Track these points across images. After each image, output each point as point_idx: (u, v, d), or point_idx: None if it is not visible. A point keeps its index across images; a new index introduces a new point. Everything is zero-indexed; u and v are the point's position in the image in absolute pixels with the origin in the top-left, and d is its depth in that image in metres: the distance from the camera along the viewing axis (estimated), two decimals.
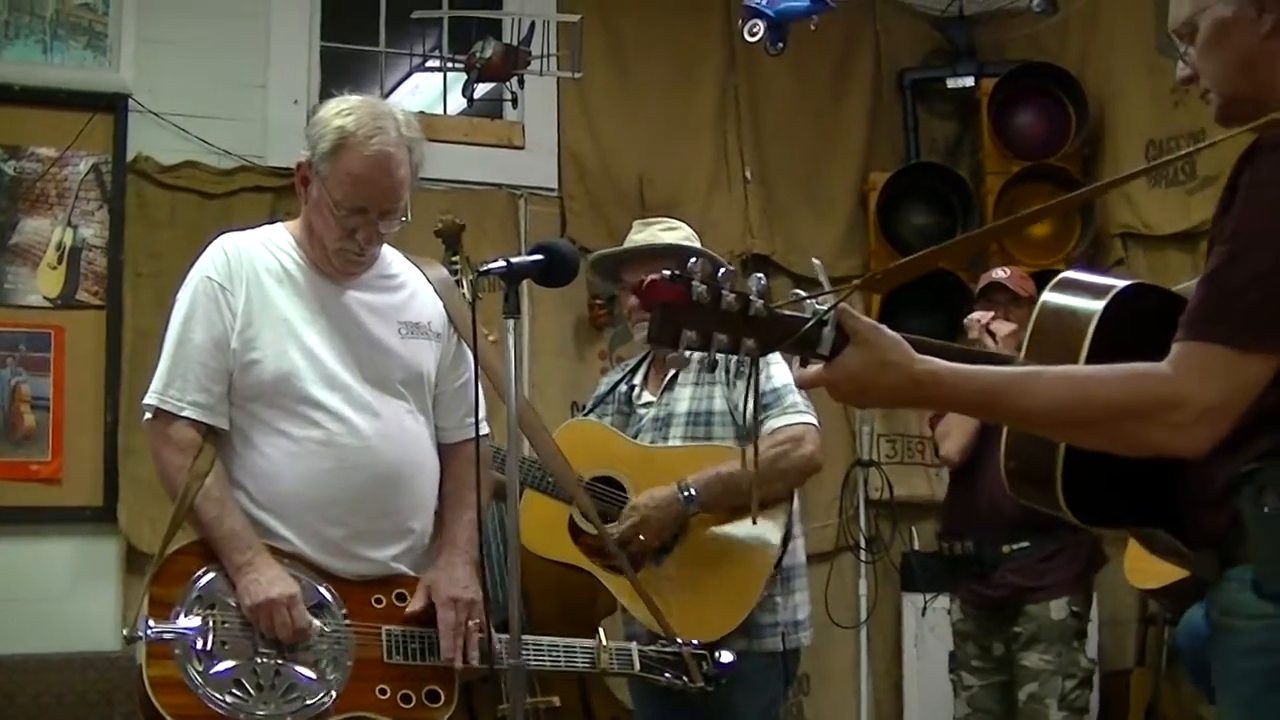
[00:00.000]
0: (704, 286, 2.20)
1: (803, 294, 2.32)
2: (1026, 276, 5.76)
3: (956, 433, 5.53)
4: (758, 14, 5.97)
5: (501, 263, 3.31)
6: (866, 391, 2.36)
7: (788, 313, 2.29)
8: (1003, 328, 5.43)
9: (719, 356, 2.24)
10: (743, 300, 2.23)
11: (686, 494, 4.37)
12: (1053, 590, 5.42)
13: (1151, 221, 7.02)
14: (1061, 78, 7.48)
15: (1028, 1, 5.91)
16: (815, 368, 2.34)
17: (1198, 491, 2.40)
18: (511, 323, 3.25)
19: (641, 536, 4.36)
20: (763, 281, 2.28)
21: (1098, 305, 2.52)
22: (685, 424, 4.62)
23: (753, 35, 6.02)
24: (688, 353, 2.22)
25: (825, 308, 2.28)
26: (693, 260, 2.27)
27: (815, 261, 2.66)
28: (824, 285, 2.45)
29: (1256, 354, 2.23)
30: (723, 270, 2.25)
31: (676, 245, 4.74)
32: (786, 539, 4.48)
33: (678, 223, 4.90)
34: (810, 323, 2.27)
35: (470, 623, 3.64)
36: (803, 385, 2.42)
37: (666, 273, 2.20)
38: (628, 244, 4.89)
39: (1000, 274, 5.68)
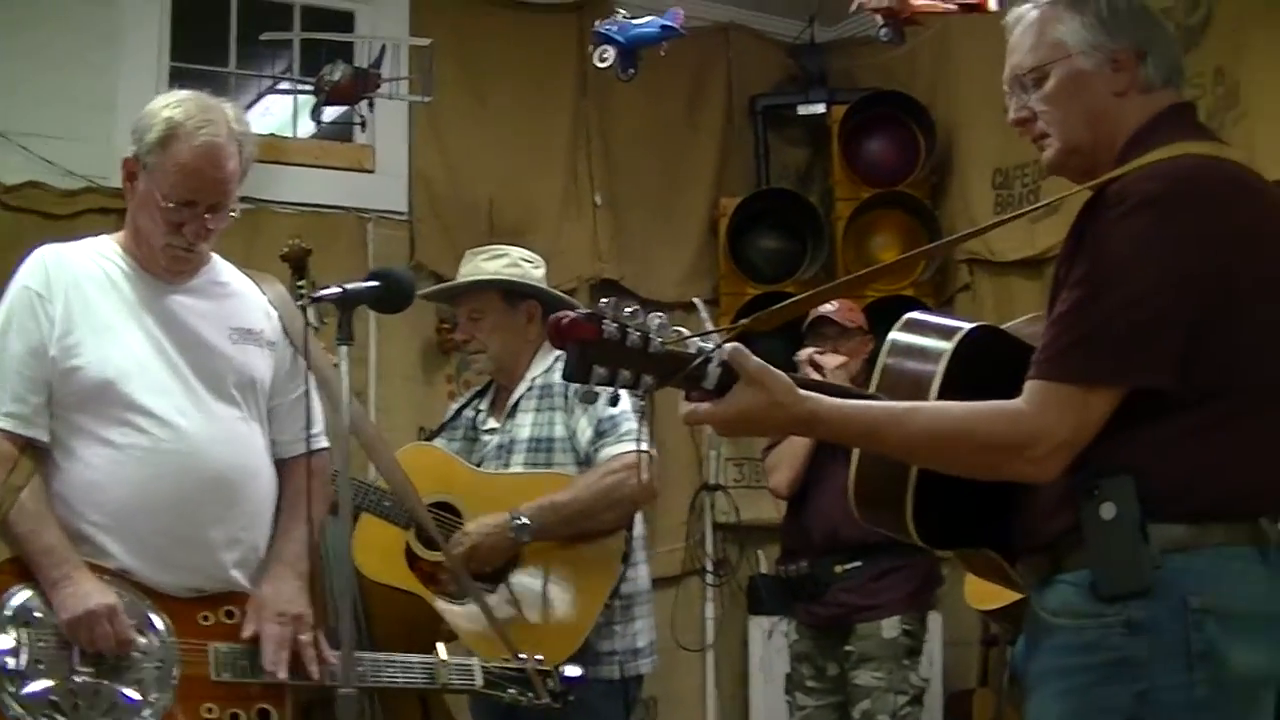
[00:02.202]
0: (614, 325, 2.30)
1: (687, 332, 2.42)
2: (855, 309, 5.83)
3: (785, 466, 5.59)
4: (608, 40, 5.95)
5: (336, 289, 3.30)
6: (751, 427, 2.57)
7: (678, 349, 2.40)
8: (831, 360, 5.49)
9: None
10: (644, 338, 2.34)
11: (518, 521, 4.36)
12: (884, 609, 5.49)
13: (997, 248, 7.11)
14: (911, 106, 7.57)
15: (876, 30, 5.93)
16: (704, 405, 2.47)
17: (1035, 502, 2.59)
18: (345, 349, 3.24)
19: (472, 563, 4.35)
20: (662, 319, 2.36)
21: (946, 346, 2.69)
22: (527, 450, 4.63)
23: (603, 61, 6.01)
24: (598, 388, 2.35)
25: (712, 346, 2.41)
26: (605, 300, 2.35)
27: (697, 301, 2.73)
28: (707, 323, 2.58)
29: (1101, 390, 2.45)
30: (629, 309, 2.34)
31: (498, 280, 4.78)
32: (624, 566, 4.49)
33: (505, 249, 4.92)
34: (699, 360, 2.40)
35: (299, 637, 3.58)
36: (691, 420, 2.52)
37: (583, 311, 2.32)
38: (459, 273, 4.90)
39: (828, 308, 5.73)
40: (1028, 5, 2.78)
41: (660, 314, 2.39)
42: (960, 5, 5.86)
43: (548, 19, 7.47)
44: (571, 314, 2.32)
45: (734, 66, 7.98)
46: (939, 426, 2.53)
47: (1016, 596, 3.66)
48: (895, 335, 2.80)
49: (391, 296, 3.46)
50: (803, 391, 2.48)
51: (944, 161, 7.62)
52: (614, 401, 2.43)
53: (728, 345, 2.43)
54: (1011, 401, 2.49)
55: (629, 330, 2.32)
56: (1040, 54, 2.70)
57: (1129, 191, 2.47)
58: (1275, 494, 2.55)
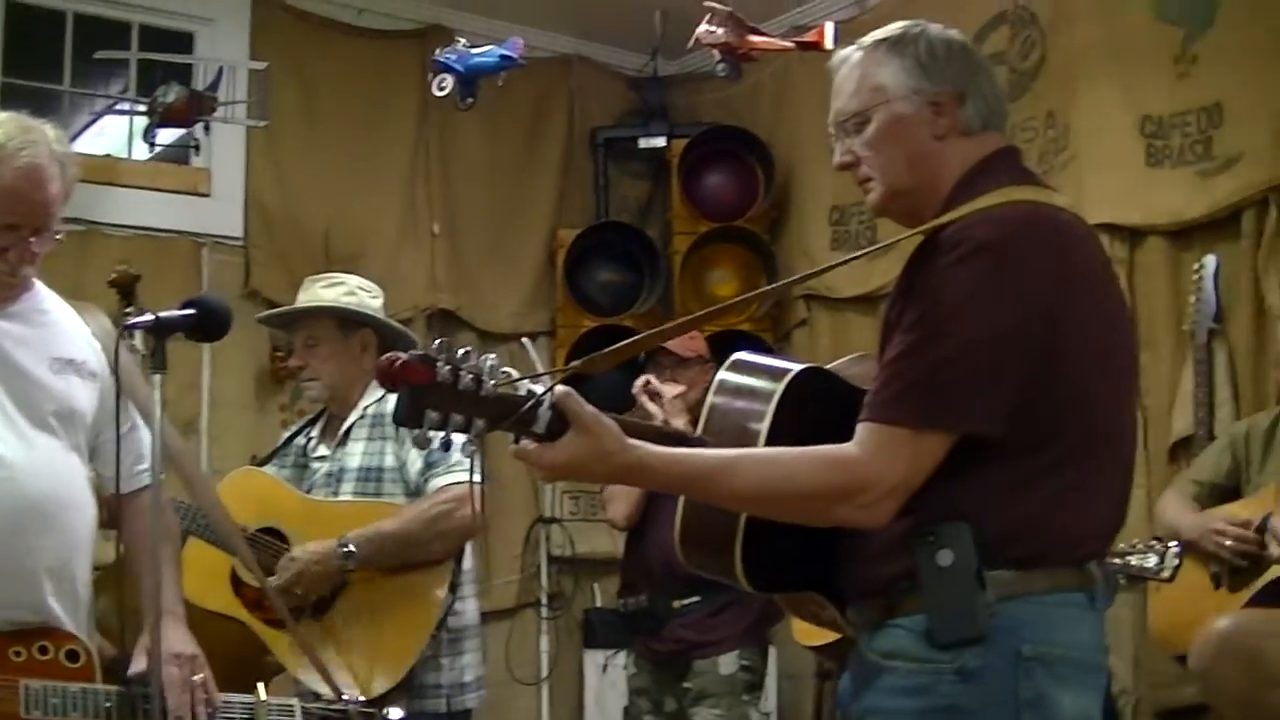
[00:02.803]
0: (447, 368, 2.27)
1: (517, 374, 2.38)
2: (695, 337, 5.82)
3: (622, 499, 5.58)
4: (446, 69, 5.94)
5: (149, 317, 3.24)
6: (578, 475, 2.50)
7: (509, 393, 2.36)
8: (669, 389, 5.47)
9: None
10: (477, 380, 2.30)
11: (346, 549, 4.33)
12: (722, 645, 5.48)
13: (833, 285, 7.14)
14: (751, 141, 7.61)
15: (714, 66, 5.98)
16: (533, 447, 2.43)
17: (866, 547, 2.57)
18: (159, 378, 3.19)
19: (298, 590, 4.29)
20: (494, 360, 2.32)
21: (775, 388, 2.67)
22: (357, 479, 4.60)
23: (441, 90, 6.00)
24: (431, 432, 2.30)
25: (542, 389, 2.38)
26: (437, 341, 2.31)
27: (525, 342, 2.69)
28: (536, 364, 2.65)
29: (933, 435, 2.46)
30: (462, 351, 2.30)
31: (334, 307, 4.75)
32: (452, 597, 4.46)
33: (343, 278, 4.89)
34: (529, 404, 2.37)
35: (195, 678, 3.52)
36: (520, 459, 2.48)
37: (417, 353, 2.26)
38: (297, 300, 4.85)
39: None
40: (851, 48, 2.81)
41: (492, 355, 2.36)
42: (797, 43, 5.94)
43: (389, 46, 7.42)
44: (404, 356, 2.26)
45: (576, 98, 8.00)
46: (768, 475, 2.52)
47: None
48: (724, 375, 2.79)
49: (207, 325, 3.40)
50: (631, 441, 2.46)
51: (782, 197, 7.67)
52: (446, 446, 2.37)
53: (559, 389, 2.41)
54: (841, 446, 2.49)
55: (462, 373, 2.29)
56: (862, 99, 2.72)
57: (962, 237, 2.49)
58: (1102, 538, 2.61)
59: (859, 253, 3.17)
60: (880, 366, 2.54)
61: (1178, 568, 4.89)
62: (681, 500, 2.71)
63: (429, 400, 2.27)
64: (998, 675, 2.43)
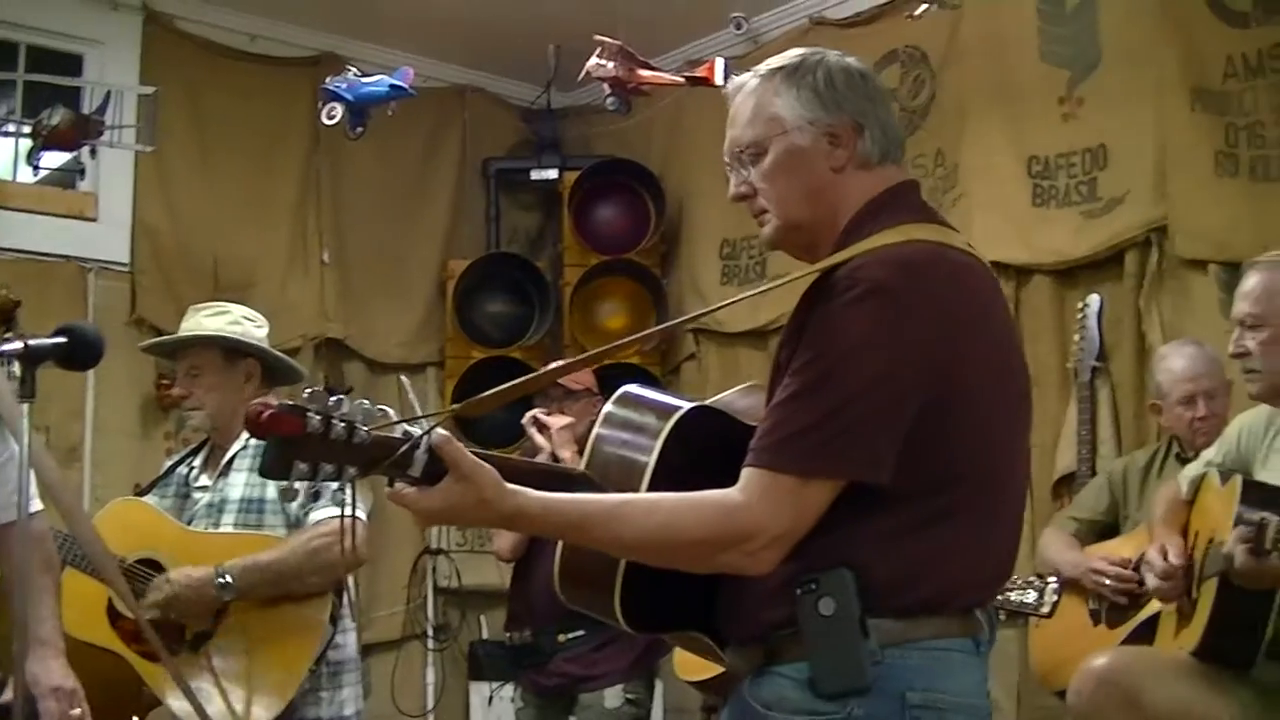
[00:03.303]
0: (318, 418, 2.17)
1: (395, 416, 2.30)
2: (583, 370, 5.82)
3: (507, 531, 5.57)
4: (336, 97, 5.92)
5: (18, 344, 3.20)
6: (455, 521, 2.51)
7: (385, 436, 2.27)
8: (556, 421, 5.47)
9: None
10: (349, 428, 2.20)
11: (223, 579, 4.28)
12: (606, 679, 5.48)
13: (723, 319, 7.19)
14: (642, 174, 7.65)
15: (603, 99, 6.01)
16: (410, 491, 2.33)
17: (747, 592, 2.48)
18: (27, 407, 3.14)
19: (172, 614, 4.25)
20: (368, 404, 2.25)
21: (663, 426, 2.60)
22: (238, 511, 4.54)
23: (331, 119, 5.96)
24: (299, 484, 2.20)
25: (419, 432, 2.29)
26: (308, 391, 2.21)
27: (404, 380, 2.63)
28: (414, 406, 2.51)
29: (819, 483, 2.36)
30: (334, 399, 2.21)
31: (218, 336, 4.69)
32: (333, 630, 4.42)
33: (228, 306, 4.83)
34: (405, 447, 2.27)
35: (73, 712, 3.51)
36: (395, 502, 2.37)
37: (286, 404, 2.16)
38: (181, 328, 4.80)
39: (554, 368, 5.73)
40: (747, 75, 2.72)
41: (366, 400, 2.29)
42: (687, 78, 5.97)
43: (282, 73, 7.38)
44: (272, 406, 2.16)
45: (469, 129, 8.01)
46: (650, 522, 2.41)
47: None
48: (611, 409, 2.73)
49: (78, 353, 3.36)
50: (510, 487, 2.36)
51: (673, 230, 7.72)
52: (315, 497, 2.26)
53: (437, 434, 2.31)
54: (725, 492, 2.40)
55: (334, 422, 2.19)
56: (758, 129, 2.63)
57: (856, 278, 2.39)
58: (991, 585, 2.56)
59: (756, 290, 3.10)
60: (768, 409, 2.45)
61: (1056, 604, 4.95)
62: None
63: (298, 452, 2.18)
64: None
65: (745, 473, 2.40)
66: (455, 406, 2.51)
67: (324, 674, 4.42)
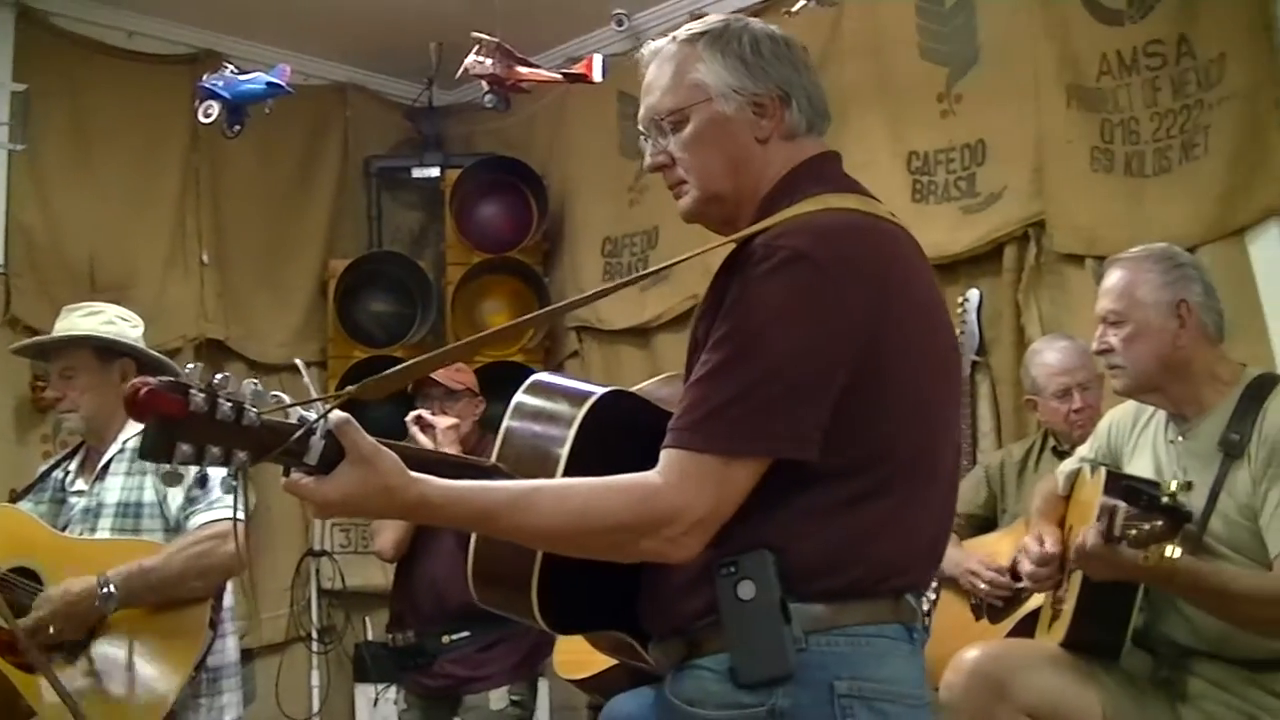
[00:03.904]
0: (202, 396, 2.04)
1: (288, 400, 2.17)
2: (463, 369, 5.80)
3: (389, 529, 5.54)
4: (212, 95, 5.85)
5: None
6: (357, 510, 2.23)
7: (277, 421, 2.14)
8: (441, 421, 5.42)
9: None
10: (237, 409, 2.08)
11: (106, 589, 4.20)
12: (492, 680, 5.46)
13: (605, 317, 7.25)
14: (525, 172, 7.61)
15: (481, 97, 5.98)
16: (306, 480, 2.19)
17: (667, 582, 2.39)
18: None
19: (52, 629, 4.17)
20: (256, 386, 2.14)
21: (576, 413, 2.51)
22: (115, 515, 4.47)
23: (207, 117, 5.90)
24: (183, 467, 2.06)
25: (315, 416, 2.16)
26: (190, 366, 2.08)
27: (299, 362, 2.55)
28: (310, 389, 2.37)
29: (743, 461, 2.26)
30: (218, 376, 2.08)
31: (91, 336, 4.63)
32: (212, 635, 4.37)
33: (102, 306, 4.76)
34: (299, 432, 2.14)
35: None
36: (291, 492, 2.24)
37: (166, 380, 2.03)
38: (54, 329, 4.72)
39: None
40: (664, 40, 2.61)
41: (255, 380, 2.18)
42: (566, 75, 5.96)
43: (161, 70, 7.25)
44: (151, 383, 2.02)
45: (351, 127, 7.95)
46: (563, 509, 2.28)
47: (604, 665, 3.66)
48: (521, 398, 2.61)
49: None
50: (414, 474, 2.22)
51: (555, 229, 7.71)
52: (201, 482, 2.14)
53: (336, 416, 2.17)
54: (643, 475, 2.28)
55: (219, 401, 2.06)
56: (679, 96, 2.53)
57: (774, 247, 2.29)
58: (922, 570, 2.45)
59: (644, 273, 3.01)
60: (686, 387, 2.33)
61: (935, 600, 4.98)
62: (474, 535, 2.50)
63: (181, 432, 2.03)
64: (812, 714, 2.26)
65: (664, 454, 2.28)
66: (351, 389, 2.33)
67: (203, 680, 4.38)
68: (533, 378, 2.68)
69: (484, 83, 5.88)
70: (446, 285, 7.53)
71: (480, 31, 5.87)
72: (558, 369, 7.47)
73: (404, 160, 7.91)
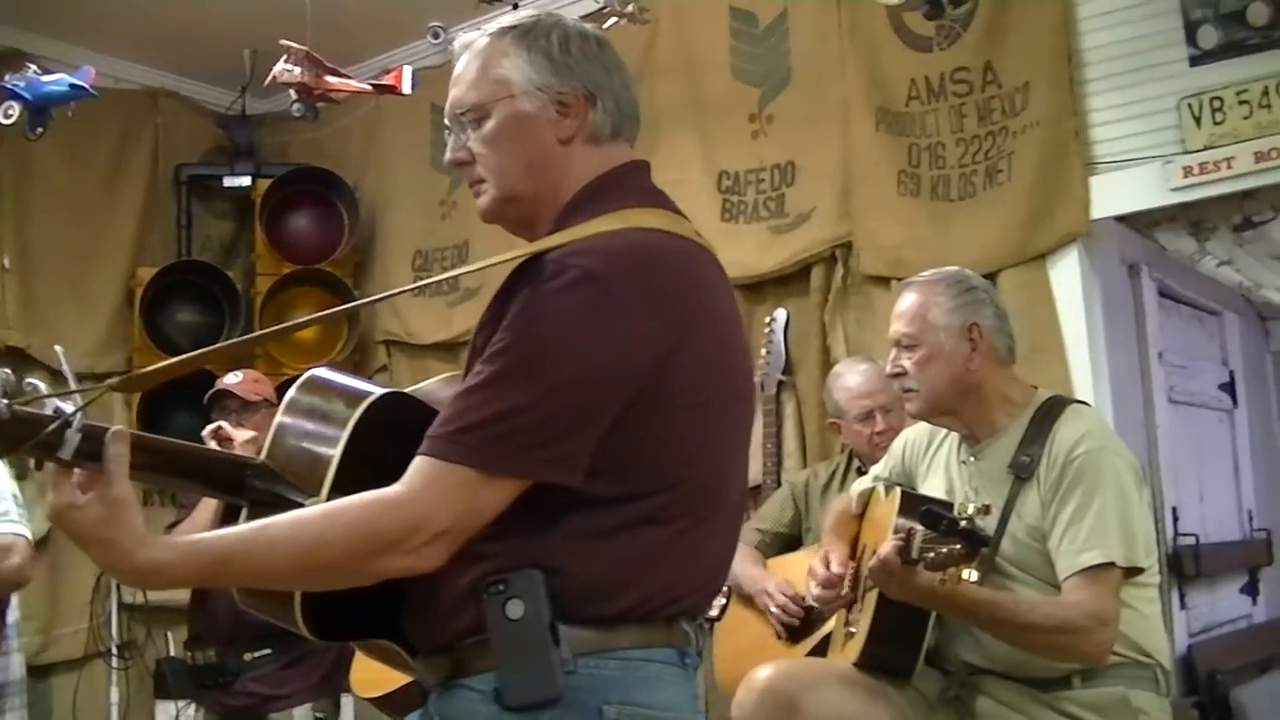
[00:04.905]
0: None
1: (45, 389, 2.09)
2: (261, 380, 5.74)
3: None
4: (13, 95, 5.71)
5: None
6: (84, 547, 2.10)
7: (31, 413, 2.04)
8: (239, 434, 5.33)
9: None
10: None
11: None
12: (294, 698, 5.39)
13: (414, 330, 7.24)
14: (336, 183, 7.56)
15: (289, 105, 5.92)
16: (67, 484, 2.07)
17: (435, 596, 2.29)
18: None
19: None
20: (7, 374, 2.06)
21: (352, 413, 2.38)
22: None
23: (8, 117, 5.76)
24: None
25: (72, 409, 2.06)
26: None
27: (58, 349, 2.45)
28: (69, 379, 2.27)
29: (501, 480, 2.18)
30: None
31: None
32: None
33: None
34: (54, 425, 2.04)
35: None
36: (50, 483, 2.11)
37: None
38: None
39: (230, 380, 5.64)
40: (477, 33, 2.51)
41: (6, 369, 2.12)
42: (375, 86, 5.92)
43: None
44: None
45: (162, 133, 7.80)
46: (299, 541, 2.17)
47: (400, 683, 3.61)
48: (295, 394, 2.47)
49: None
50: (152, 538, 2.08)
51: (367, 241, 7.66)
52: None
53: (114, 432, 2.08)
54: (382, 491, 2.18)
55: None
56: (482, 91, 2.44)
57: (567, 264, 2.21)
58: (700, 595, 2.39)
59: (463, 269, 2.93)
60: (455, 395, 2.25)
61: (725, 607, 5.00)
62: None
63: None
64: None
65: (416, 460, 2.20)
66: (112, 381, 2.26)
67: None
68: (309, 373, 2.53)
69: (292, 91, 5.82)
70: (255, 296, 7.43)
71: (295, 41, 5.80)
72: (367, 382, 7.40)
73: (215, 168, 7.80)
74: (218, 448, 5.23)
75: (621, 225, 2.31)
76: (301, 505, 2.27)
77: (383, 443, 2.33)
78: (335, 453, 2.35)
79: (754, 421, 2.52)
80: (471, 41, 2.51)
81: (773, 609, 4.73)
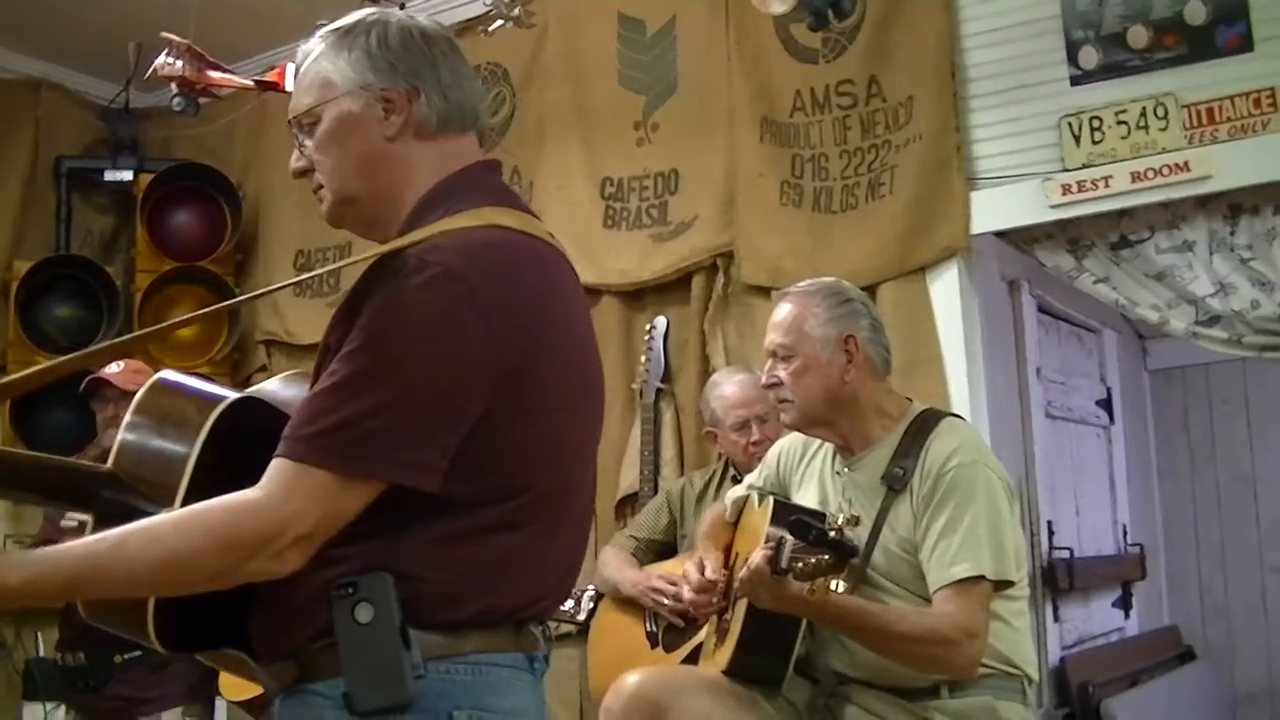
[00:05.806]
0: None
1: None
2: (142, 369, 5.67)
3: (69, 539, 5.35)
4: None
5: None
6: None
7: None
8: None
9: None
10: None
11: None
12: (166, 701, 5.36)
13: (295, 330, 7.19)
14: (219, 180, 7.49)
15: (169, 100, 5.85)
16: None
17: (283, 600, 2.24)
18: None
19: None
20: None
21: (205, 419, 2.32)
22: None
23: None
24: None
25: None
26: None
27: None
28: None
29: (361, 482, 2.15)
30: None
31: None
32: None
33: None
34: None
35: None
36: None
37: None
38: None
39: (111, 369, 5.57)
40: (314, 39, 2.50)
41: None
42: (257, 82, 5.87)
43: None
44: None
45: (43, 124, 7.68)
46: (156, 554, 2.13)
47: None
48: (144, 397, 2.39)
49: None
50: (2, 557, 2.09)
51: (249, 239, 7.59)
52: None
53: None
54: (239, 494, 2.14)
55: None
56: (312, 95, 2.43)
57: (426, 261, 2.17)
58: (549, 600, 2.38)
59: (322, 269, 2.88)
60: (309, 394, 2.21)
61: (593, 610, 5.01)
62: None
63: None
64: None
65: (273, 463, 2.16)
66: None
67: None
68: (156, 376, 2.47)
69: (173, 85, 5.76)
70: (135, 292, 7.33)
71: (178, 35, 5.74)
72: (245, 382, 7.33)
73: (97, 162, 7.69)
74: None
75: (478, 223, 2.29)
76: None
77: (235, 448, 2.28)
78: (190, 458, 2.29)
79: (603, 425, 2.53)
80: (310, 49, 2.49)
81: (665, 602, 4.72)
